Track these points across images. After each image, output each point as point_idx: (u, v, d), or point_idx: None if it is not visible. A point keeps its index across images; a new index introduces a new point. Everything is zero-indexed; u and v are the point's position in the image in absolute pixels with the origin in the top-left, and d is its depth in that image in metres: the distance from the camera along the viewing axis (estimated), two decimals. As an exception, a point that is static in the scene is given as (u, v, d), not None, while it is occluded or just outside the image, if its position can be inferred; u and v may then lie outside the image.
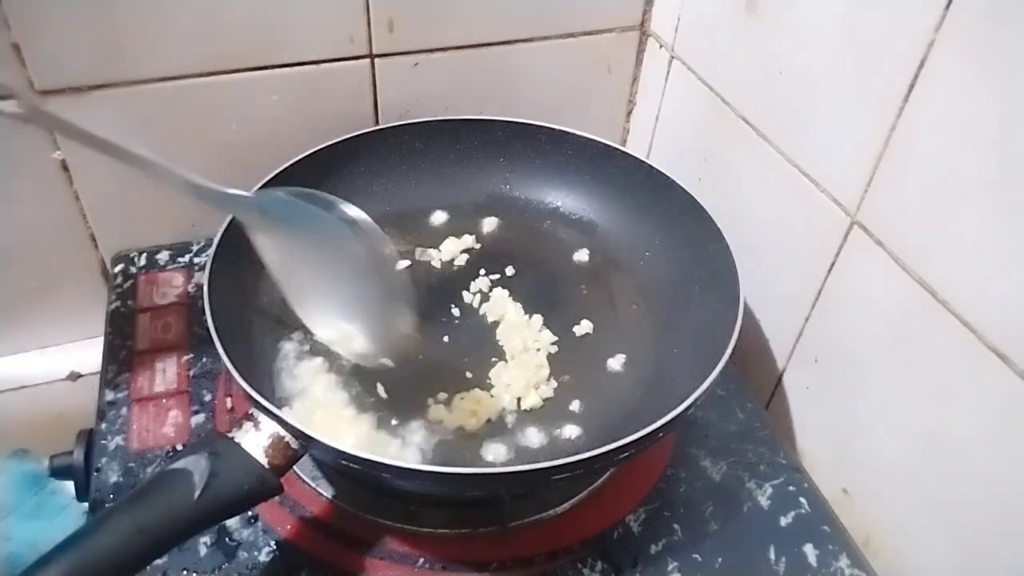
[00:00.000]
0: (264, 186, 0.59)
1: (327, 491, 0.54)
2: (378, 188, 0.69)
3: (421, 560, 0.51)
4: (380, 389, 0.55)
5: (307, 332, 0.56)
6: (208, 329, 0.49)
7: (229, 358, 0.48)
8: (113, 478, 0.54)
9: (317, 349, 0.57)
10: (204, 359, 0.62)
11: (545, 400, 0.56)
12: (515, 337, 0.59)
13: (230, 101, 0.66)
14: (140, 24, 0.60)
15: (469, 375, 0.57)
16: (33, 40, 0.57)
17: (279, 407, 0.47)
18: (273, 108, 0.67)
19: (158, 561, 0.45)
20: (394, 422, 0.53)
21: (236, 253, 0.56)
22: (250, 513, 0.52)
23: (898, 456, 0.52)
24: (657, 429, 0.46)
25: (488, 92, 0.74)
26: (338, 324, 0.52)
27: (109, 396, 0.59)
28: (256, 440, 0.44)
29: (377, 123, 0.72)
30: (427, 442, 0.52)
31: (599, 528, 0.54)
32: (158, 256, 0.71)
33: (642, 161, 0.66)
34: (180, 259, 0.71)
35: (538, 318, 0.61)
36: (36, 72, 0.59)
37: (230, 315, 0.54)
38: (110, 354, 0.62)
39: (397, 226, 0.68)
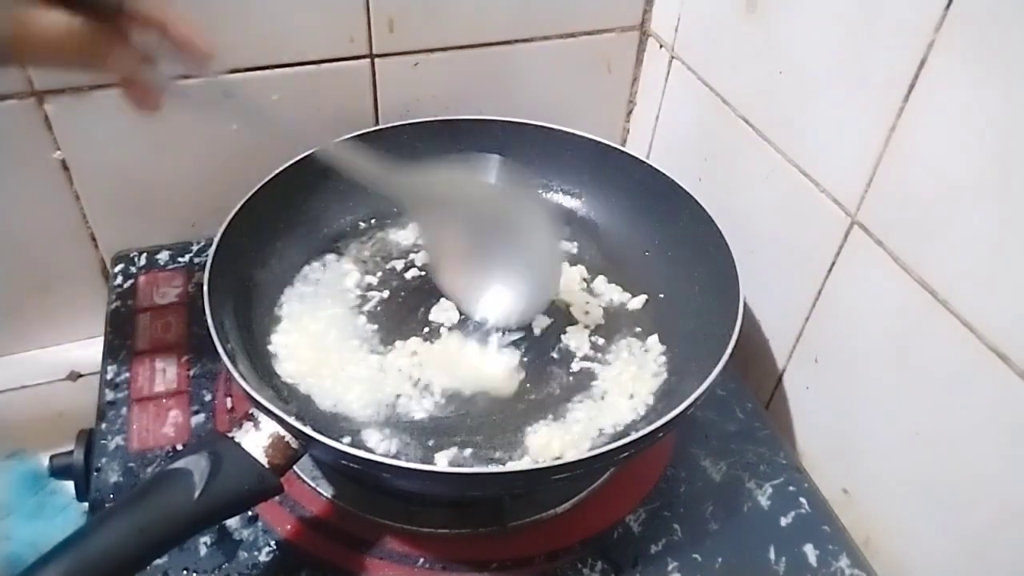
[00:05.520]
0: (264, 185, 0.60)
1: (327, 491, 0.54)
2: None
3: (421, 560, 0.51)
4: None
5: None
6: (208, 329, 0.49)
7: (229, 358, 0.48)
8: (113, 478, 0.54)
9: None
10: (204, 359, 0.62)
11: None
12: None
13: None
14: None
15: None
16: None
17: (278, 405, 0.47)
18: (273, 108, 0.67)
19: (158, 561, 0.45)
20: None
21: (236, 253, 0.57)
22: (250, 513, 0.52)
23: (898, 456, 0.52)
24: (657, 429, 0.46)
25: (488, 92, 0.74)
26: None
27: (109, 396, 0.59)
28: (256, 440, 0.44)
29: (377, 123, 0.72)
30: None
31: (599, 528, 0.54)
32: (158, 256, 0.71)
33: (642, 161, 0.66)
34: (180, 259, 0.71)
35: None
36: (36, 72, 0.59)
37: (230, 315, 0.55)
38: (110, 354, 0.62)
39: (397, 226, 0.69)
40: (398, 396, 0.55)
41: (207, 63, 0.44)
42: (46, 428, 0.64)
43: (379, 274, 0.65)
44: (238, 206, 0.57)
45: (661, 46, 0.74)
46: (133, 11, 0.41)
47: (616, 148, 0.67)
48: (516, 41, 0.72)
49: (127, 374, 0.61)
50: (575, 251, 0.68)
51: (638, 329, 0.61)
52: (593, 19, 0.73)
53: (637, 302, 0.63)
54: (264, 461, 0.44)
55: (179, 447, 0.56)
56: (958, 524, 0.48)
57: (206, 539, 0.51)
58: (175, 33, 0.42)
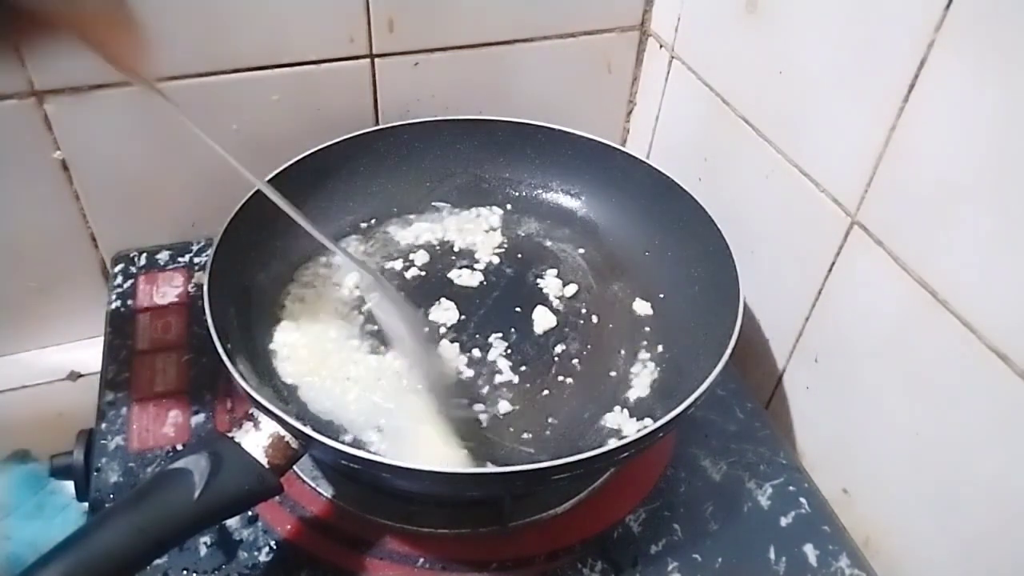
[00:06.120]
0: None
1: (327, 491, 0.54)
2: (378, 188, 0.69)
3: (421, 560, 0.51)
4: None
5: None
6: (208, 329, 0.49)
7: (229, 358, 0.48)
8: (113, 478, 0.54)
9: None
10: (204, 359, 0.62)
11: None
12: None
13: (230, 101, 0.66)
14: (140, 24, 0.60)
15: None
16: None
17: (278, 406, 0.47)
18: (273, 108, 0.67)
19: (158, 561, 0.45)
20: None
21: (236, 253, 0.57)
22: (250, 513, 0.52)
23: (898, 456, 0.52)
24: (657, 429, 0.46)
25: (488, 92, 0.74)
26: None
27: (109, 396, 0.59)
28: (256, 440, 0.44)
29: (377, 123, 0.72)
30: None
31: (599, 528, 0.54)
32: (158, 256, 0.71)
33: (642, 161, 0.66)
34: (180, 259, 0.71)
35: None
36: (36, 72, 0.59)
37: (230, 315, 0.55)
38: (110, 354, 0.62)
39: (397, 226, 0.69)
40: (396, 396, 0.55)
41: (131, 70, 0.42)
42: (46, 428, 0.64)
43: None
44: (238, 206, 0.57)
45: (661, 46, 0.74)
46: (35, 16, 0.37)
47: (616, 148, 0.67)
48: (516, 41, 0.72)
49: (127, 374, 0.61)
50: (576, 251, 0.68)
51: (638, 329, 0.61)
52: (593, 19, 0.73)
53: (638, 303, 0.63)
54: (264, 461, 0.44)
55: (179, 447, 0.56)
56: (958, 524, 0.48)
57: (206, 539, 0.51)
58: (92, 37, 0.39)
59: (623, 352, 0.60)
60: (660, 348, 0.60)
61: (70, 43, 0.39)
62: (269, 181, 0.60)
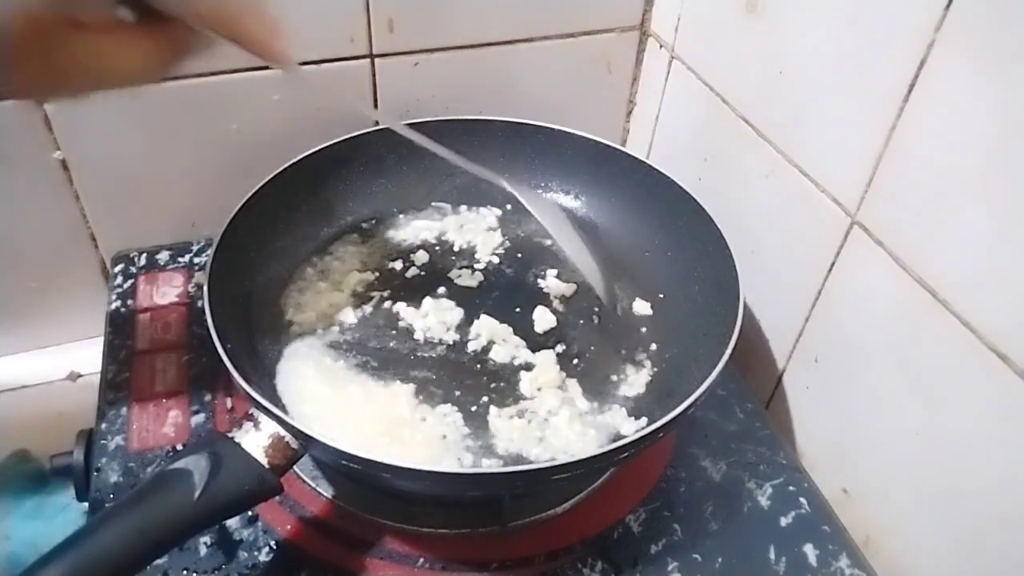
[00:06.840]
0: (264, 186, 0.60)
1: (327, 491, 0.54)
2: (378, 188, 0.69)
3: (421, 560, 0.51)
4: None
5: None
6: (208, 329, 0.49)
7: (229, 358, 0.48)
8: (113, 478, 0.54)
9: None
10: (204, 359, 0.62)
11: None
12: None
13: (230, 101, 0.66)
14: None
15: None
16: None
17: (279, 407, 0.47)
18: (273, 108, 0.67)
19: (158, 561, 0.45)
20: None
21: (236, 253, 0.57)
22: (250, 513, 0.52)
23: (898, 456, 0.52)
24: (657, 429, 0.46)
25: (488, 92, 0.74)
26: None
27: (109, 396, 0.59)
28: (256, 440, 0.44)
29: (377, 123, 0.72)
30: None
31: (599, 528, 0.54)
32: (158, 256, 0.71)
33: (642, 161, 0.66)
34: (180, 259, 0.71)
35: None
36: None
37: (230, 315, 0.55)
38: (110, 354, 0.62)
39: (397, 226, 0.69)
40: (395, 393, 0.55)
41: (276, 58, 0.43)
42: (46, 428, 0.64)
43: (379, 274, 0.65)
44: (238, 206, 0.57)
45: (661, 46, 0.74)
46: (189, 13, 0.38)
47: (616, 148, 0.67)
48: (516, 41, 0.72)
49: (127, 374, 0.61)
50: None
51: (638, 329, 0.61)
52: (593, 19, 0.73)
53: (637, 303, 0.63)
54: (264, 461, 0.44)
55: (179, 447, 0.56)
56: (958, 524, 0.48)
57: (206, 539, 0.51)
58: (235, 32, 0.40)
59: (623, 352, 0.60)
60: (660, 348, 0.60)
61: (212, 43, 0.40)
62: (269, 181, 0.60)
